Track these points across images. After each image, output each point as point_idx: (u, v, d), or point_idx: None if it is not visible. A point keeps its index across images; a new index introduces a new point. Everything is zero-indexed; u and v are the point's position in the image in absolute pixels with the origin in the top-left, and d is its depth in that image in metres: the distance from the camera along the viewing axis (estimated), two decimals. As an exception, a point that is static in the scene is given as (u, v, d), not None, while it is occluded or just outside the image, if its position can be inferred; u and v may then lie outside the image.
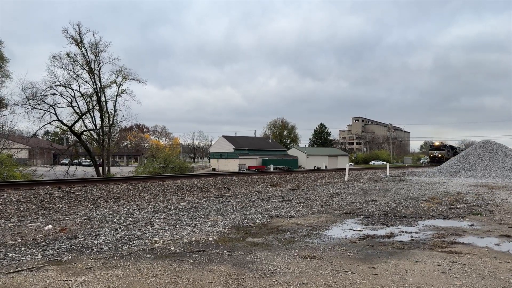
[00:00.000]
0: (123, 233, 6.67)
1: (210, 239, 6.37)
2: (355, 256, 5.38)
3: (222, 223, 7.91)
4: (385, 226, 7.88)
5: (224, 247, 5.84)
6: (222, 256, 5.29)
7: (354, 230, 7.42)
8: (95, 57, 36.44)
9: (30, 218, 7.90)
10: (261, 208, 10.11)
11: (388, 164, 33.21)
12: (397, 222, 8.34)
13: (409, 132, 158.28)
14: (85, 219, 7.91)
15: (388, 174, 28.45)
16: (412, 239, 6.60)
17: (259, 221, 8.14)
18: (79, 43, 35.34)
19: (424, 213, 9.48)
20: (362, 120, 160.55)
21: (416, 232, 7.21)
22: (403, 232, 7.26)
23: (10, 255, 5.17)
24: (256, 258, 5.17)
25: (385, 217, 8.96)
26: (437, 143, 58.82)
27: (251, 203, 11.14)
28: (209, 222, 7.96)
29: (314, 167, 63.45)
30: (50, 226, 6.95)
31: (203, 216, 8.71)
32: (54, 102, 33.28)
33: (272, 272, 4.54)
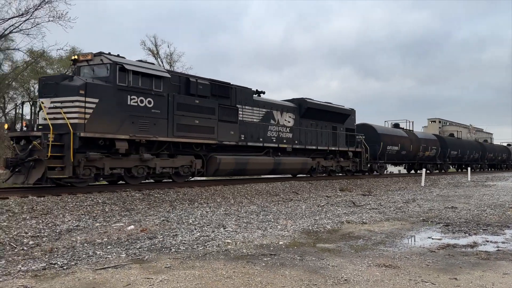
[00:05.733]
0: (198, 234, 6.95)
1: (280, 243, 6.41)
2: (435, 266, 5.09)
3: (291, 227, 7.91)
4: (467, 235, 7.35)
5: (295, 251, 5.84)
6: (293, 260, 5.30)
7: (432, 238, 7.01)
8: (170, 67, 38.51)
9: (114, 219, 8.54)
10: (331, 213, 9.95)
11: (469, 168, 30.81)
12: (481, 230, 7.73)
13: (491, 134, 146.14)
14: (163, 220, 8.37)
15: (469, 179, 26.45)
16: (498, 250, 6.08)
17: (329, 227, 8.01)
18: (155, 54, 37.66)
19: (513, 222, 8.69)
20: (439, 121, 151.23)
21: (503, 242, 6.63)
22: (487, 241, 6.72)
23: (98, 252, 5.63)
24: (328, 264, 5.10)
25: (467, 225, 8.35)
26: None
27: (320, 208, 11.01)
28: (278, 226, 8.01)
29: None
30: (132, 226, 7.46)
31: (272, 220, 8.78)
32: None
33: (345, 280, 4.46)
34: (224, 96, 14.93)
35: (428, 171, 30.23)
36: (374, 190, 17.62)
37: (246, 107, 16.03)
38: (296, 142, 18.04)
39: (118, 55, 12.27)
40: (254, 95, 17.06)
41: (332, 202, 12.60)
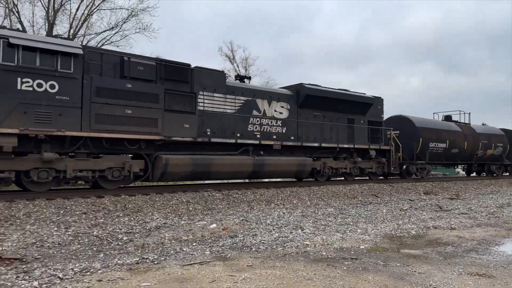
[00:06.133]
0: (276, 235, 7.03)
1: (361, 247, 6.24)
2: (538, 279, 4.60)
3: (372, 231, 7.66)
4: None
5: (378, 256, 5.65)
6: (376, 265, 5.13)
7: (534, 248, 6.34)
8: (245, 71, 39.40)
9: (197, 217, 8.97)
10: (415, 218, 9.45)
11: None
12: None
13: None
14: (242, 220, 8.60)
15: None
16: None
17: (414, 232, 7.62)
18: (231, 59, 38.75)
19: None
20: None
21: None
22: None
23: (184, 249, 5.95)
24: (415, 271, 4.86)
25: None
26: None
27: (403, 212, 10.51)
28: (358, 230, 7.80)
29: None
30: (214, 225, 7.78)
31: (351, 223, 8.58)
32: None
33: (434, 288, 4.22)
34: (179, 80, 11.99)
35: (494, 174, 25.90)
36: (463, 194, 16.38)
37: (215, 95, 12.96)
38: (293, 138, 14.84)
39: (12, 29, 10.30)
40: (233, 80, 14.80)
41: (416, 206, 11.95)
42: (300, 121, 15.15)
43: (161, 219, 8.59)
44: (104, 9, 23.30)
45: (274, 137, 14.32)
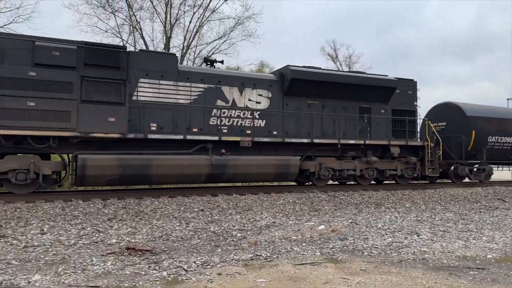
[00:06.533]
0: (390, 239, 6.73)
1: (488, 256, 5.66)
2: None
3: (501, 239, 6.89)
4: None
5: (509, 267, 5.07)
6: (507, 277, 4.61)
7: None
8: (349, 69, 38.50)
9: (304, 218, 9.03)
10: (555, 226, 8.22)
11: None
12: None
13: None
14: (351, 222, 8.42)
15: None
16: None
17: (554, 242, 6.65)
18: (334, 58, 38.21)
19: None
20: None
21: None
22: None
23: (295, 249, 6.05)
24: (558, 288, 4.25)
25: None
26: None
27: (538, 219, 9.23)
28: (483, 238, 7.08)
29: None
30: (322, 226, 7.76)
31: (475, 230, 7.82)
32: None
33: None
34: (106, 66, 10.06)
35: None
36: None
37: (163, 82, 10.91)
38: (276, 133, 12.17)
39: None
40: (197, 66, 13.04)
41: (554, 212, 10.40)
42: (286, 112, 12.43)
43: (270, 218, 8.85)
44: (214, 20, 24.75)
45: (249, 132, 11.76)
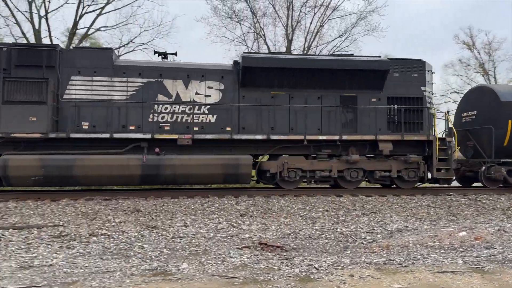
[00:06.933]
0: (550, 252, 5.80)
1: None
2: None
3: None
4: None
5: None
6: None
7: None
8: (489, 57, 34.23)
9: (441, 223, 8.33)
10: None
11: None
12: None
13: None
14: (498, 229, 7.48)
15: None
16: None
17: None
18: (470, 46, 34.41)
19: None
20: None
21: None
22: None
23: (432, 255, 5.63)
24: None
25: None
26: None
27: None
28: None
29: None
30: (464, 232, 7.06)
31: None
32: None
33: None
34: (31, 66, 10.09)
35: None
36: None
37: (96, 79, 10.46)
38: (229, 129, 10.83)
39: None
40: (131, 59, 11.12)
41: None
42: (242, 106, 11.05)
43: (401, 221, 8.38)
44: (335, 18, 24.45)
45: (196, 128, 10.76)
